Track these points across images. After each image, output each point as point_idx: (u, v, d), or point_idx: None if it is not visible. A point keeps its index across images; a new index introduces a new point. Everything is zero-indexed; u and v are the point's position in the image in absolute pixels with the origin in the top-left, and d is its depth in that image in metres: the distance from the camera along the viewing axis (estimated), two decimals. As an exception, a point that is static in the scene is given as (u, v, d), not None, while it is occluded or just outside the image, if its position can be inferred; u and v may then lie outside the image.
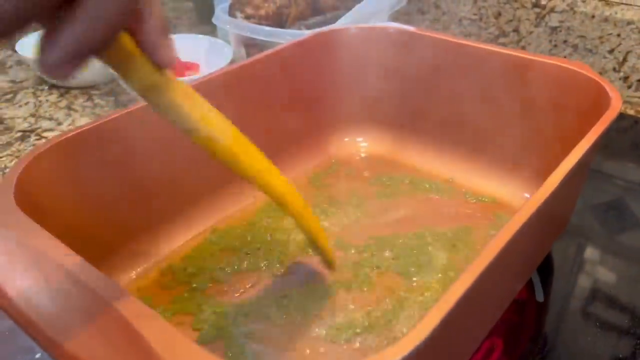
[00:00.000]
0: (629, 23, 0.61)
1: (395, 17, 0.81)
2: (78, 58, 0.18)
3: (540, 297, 0.38)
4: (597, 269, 0.41)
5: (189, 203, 0.40)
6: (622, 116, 0.63)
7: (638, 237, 0.44)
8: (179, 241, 0.39)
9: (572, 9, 0.65)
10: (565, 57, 0.67)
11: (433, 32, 0.46)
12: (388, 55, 0.47)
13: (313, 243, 0.34)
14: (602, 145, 0.61)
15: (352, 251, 0.40)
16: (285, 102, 0.46)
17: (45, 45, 0.18)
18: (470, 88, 0.45)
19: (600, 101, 0.37)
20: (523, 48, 0.70)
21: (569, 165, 0.29)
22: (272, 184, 0.30)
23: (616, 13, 0.62)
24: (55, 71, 0.18)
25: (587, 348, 0.34)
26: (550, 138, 0.40)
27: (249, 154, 0.29)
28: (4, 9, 0.16)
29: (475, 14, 0.73)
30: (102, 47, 0.19)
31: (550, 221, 0.34)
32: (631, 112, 0.63)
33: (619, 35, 0.62)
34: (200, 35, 0.68)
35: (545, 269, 0.40)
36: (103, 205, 0.34)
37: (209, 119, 0.26)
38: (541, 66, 0.41)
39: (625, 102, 0.65)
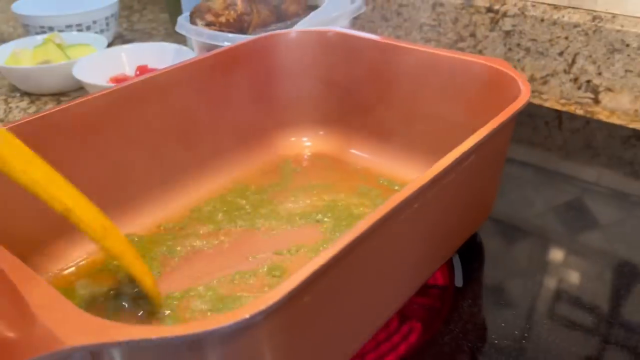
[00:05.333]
0: (576, 26, 0.63)
1: (362, 24, 0.84)
2: None
3: (459, 282, 0.40)
4: (560, 268, 0.43)
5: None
6: (573, 117, 0.65)
7: (596, 237, 0.45)
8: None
9: (523, 13, 0.67)
10: (518, 60, 0.69)
11: (371, 34, 0.48)
12: (328, 57, 0.49)
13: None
14: (557, 147, 0.63)
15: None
16: (231, 103, 0.49)
17: None
18: (402, 86, 0.47)
19: (514, 95, 0.39)
20: (480, 52, 0.72)
21: (460, 150, 0.31)
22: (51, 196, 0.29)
23: (563, 16, 0.64)
24: None
25: (554, 348, 0.35)
26: (469, 130, 0.42)
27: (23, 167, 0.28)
28: None
29: (434, 20, 0.75)
30: None
31: (455, 206, 0.36)
32: (581, 112, 0.65)
33: (567, 38, 0.64)
34: (167, 44, 0.71)
35: (473, 255, 0.42)
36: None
37: None
38: (465, 64, 0.43)
39: (576, 102, 0.67)
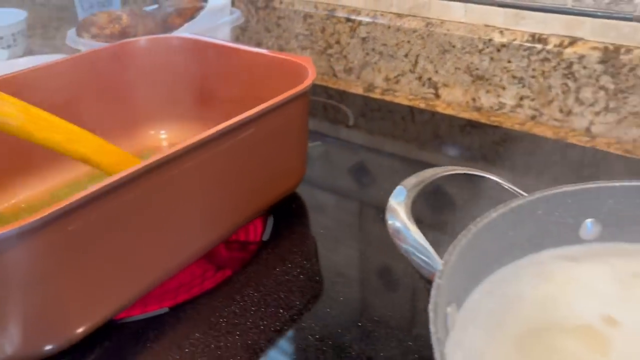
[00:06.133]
0: (414, 31, 0.73)
1: (250, 35, 0.93)
2: None
3: (266, 237, 0.48)
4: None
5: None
6: (421, 110, 0.74)
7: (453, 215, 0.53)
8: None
9: (374, 21, 0.77)
10: (375, 62, 0.79)
11: (209, 38, 0.57)
12: (176, 59, 0.58)
13: None
14: (413, 138, 0.72)
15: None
16: (92, 101, 0.56)
17: None
18: (237, 80, 0.55)
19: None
20: (345, 57, 0.82)
21: (232, 121, 0.40)
22: (73, 150, 0.40)
23: (404, 23, 0.74)
24: None
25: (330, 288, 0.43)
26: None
27: (44, 130, 0.39)
28: None
29: (307, 30, 0.84)
30: None
31: (245, 170, 0.44)
32: (423, 105, 0.75)
33: (409, 42, 0.75)
34: (58, 55, 0.78)
35: (288, 218, 0.51)
36: None
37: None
38: (279, 61, 0.52)
39: (422, 98, 0.77)
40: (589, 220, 0.31)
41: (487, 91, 0.71)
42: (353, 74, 0.82)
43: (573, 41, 0.63)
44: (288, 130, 0.47)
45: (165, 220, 0.38)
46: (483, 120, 0.70)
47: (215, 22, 0.78)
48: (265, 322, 0.39)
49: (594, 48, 0.61)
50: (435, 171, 0.36)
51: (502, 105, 0.70)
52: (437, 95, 0.75)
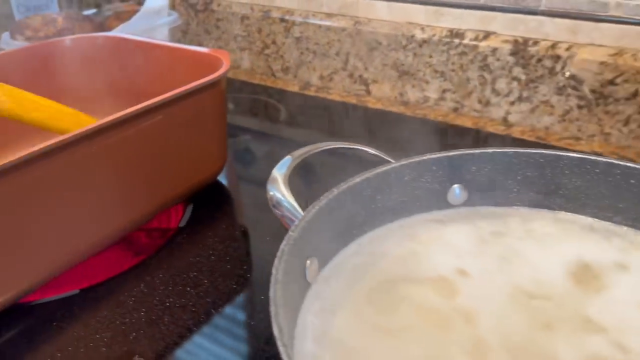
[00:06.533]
0: (343, 30, 0.76)
1: (191, 38, 0.94)
2: None
3: (182, 223, 0.50)
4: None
5: None
6: (354, 106, 0.77)
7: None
8: None
9: (305, 21, 0.79)
10: (309, 61, 0.82)
11: (132, 37, 0.59)
12: (103, 57, 0.59)
13: None
14: (350, 134, 0.74)
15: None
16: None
17: None
18: (160, 74, 0.57)
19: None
20: (281, 57, 0.84)
21: (139, 106, 0.41)
22: (59, 128, 0.45)
23: (334, 23, 0.77)
24: None
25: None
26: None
27: (30, 111, 0.44)
28: None
29: (244, 31, 0.87)
30: None
31: (156, 158, 0.46)
32: (354, 101, 0.77)
33: (339, 40, 0.77)
34: None
35: (208, 205, 0.52)
36: None
37: None
38: (199, 54, 0.54)
39: (354, 94, 0.79)
40: (456, 186, 0.34)
41: (413, 86, 0.74)
42: (290, 73, 0.85)
43: (487, 35, 0.66)
44: (202, 119, 0.49)
45: (70, 204, 0.40)
46: (409, 113, 0.73)
47: (152, 24, 0.79)
48: (171, 300, 0.41)
49: (505, 41, 0.65)
50: (327, 144, 0.38)
51: (426, 99, 0.73)
52: (368, 92, 0.78)
